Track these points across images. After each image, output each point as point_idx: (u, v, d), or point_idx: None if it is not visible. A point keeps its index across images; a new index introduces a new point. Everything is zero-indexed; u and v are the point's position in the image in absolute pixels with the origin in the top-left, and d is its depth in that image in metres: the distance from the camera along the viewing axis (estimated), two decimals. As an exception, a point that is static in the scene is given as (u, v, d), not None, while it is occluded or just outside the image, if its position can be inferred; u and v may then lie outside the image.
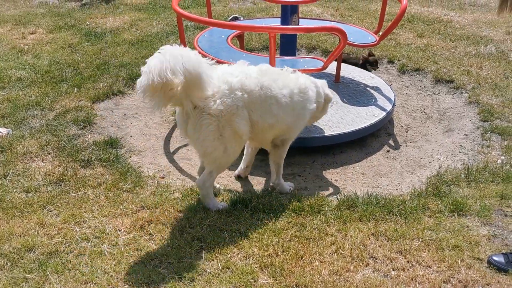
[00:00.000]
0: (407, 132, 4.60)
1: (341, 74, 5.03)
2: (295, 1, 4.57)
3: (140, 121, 4.70)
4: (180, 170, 3.97)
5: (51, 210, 3.25)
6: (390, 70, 5.75)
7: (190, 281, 2.69)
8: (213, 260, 2.83)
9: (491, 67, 5.54)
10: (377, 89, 4.87)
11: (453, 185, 3.55)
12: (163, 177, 3.78)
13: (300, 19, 4.91)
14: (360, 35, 4.90)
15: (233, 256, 2.87)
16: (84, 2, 8.17)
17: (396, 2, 5.54)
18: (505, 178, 3.58)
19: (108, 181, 3.57)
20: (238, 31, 4.84)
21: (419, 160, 4.12)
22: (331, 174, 3.97)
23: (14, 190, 3.43)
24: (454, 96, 5.09)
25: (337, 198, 3.42)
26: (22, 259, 2.83)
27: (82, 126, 4.34)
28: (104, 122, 4.52)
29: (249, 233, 3.04)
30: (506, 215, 3.25)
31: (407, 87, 5.40)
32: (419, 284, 2.69)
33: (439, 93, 5.19)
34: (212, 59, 3.11)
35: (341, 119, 4.30)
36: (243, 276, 2.71)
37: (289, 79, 3.39)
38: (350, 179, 3.90)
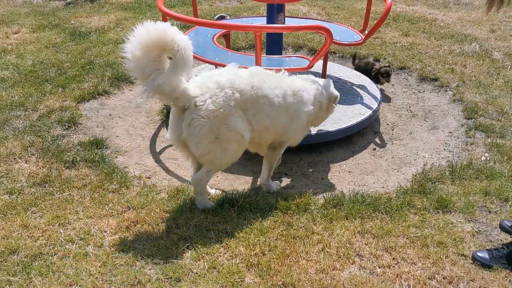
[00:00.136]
0: (393, 130, 4.64)
1: (328, 72, 5.04)
2: (281, -1, 4.58)
3: (126, 121, 4.66)
4: (167, 170, 3.95)
5: (35, 212, 3.21)
6: (376, 68, 5.79)
7: (177, 281, 2.68)
8: (199, 260, 2.82)
9: (475, 65, 5.61)
10: (363, 87, 4.89)
11: (437, 182, 3.59)
12: (149, 177, 3.76)
13: (286, 18, 4.92)
14: (346, 33, 4.92)
15: (220, 256, 2.86)
16: (68, 1, 8.08)
17: (381, 1, 5.58)
18: (489, 175, 3.63)
19: (93, 182, 3.53)
20: (224, 30, 4.83)
21: (405, 158, 4.15)
22: (317, 173, 3.98)
23: (-3, 192, 3.38)
24: (439, 94, 5.14)
25: (324, 197, 3.43)
26: (6, 262, 2.79)
27: (66, 126, 4.29)
28: (89, 123, 4.47)
29: (236, 232, 3.03)
30: (490, 212, 3.29)
31: (392, 85, 5.43)
32: (404, 280, 2.71)
33: (424, 91, 5.23)
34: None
35: (328, 117, 4.31)
36: (229, 275, 2.70)
37: (281, 80, 3.37)
38: (337, 177, 3.92)
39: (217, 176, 3.87)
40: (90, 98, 4.85)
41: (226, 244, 2.94)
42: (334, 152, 4.24)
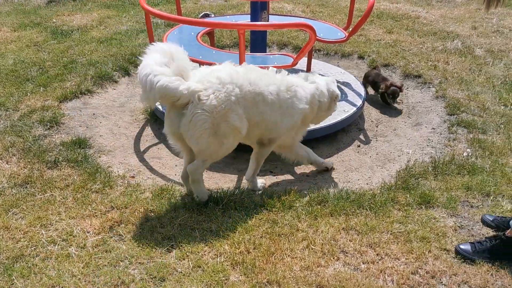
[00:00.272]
0: (377, 127, 4.67)
1: (312, 70, 5.05)
2: (264, -3, 4.57)
3: (110, 120, 4.61)
4: (151, 169, 3.92)
5: (16, 213, 3.16)
6: (360, 65, 5.82)
7: (161, 281, 2.66)
8: (184, 259, 2.81)
9: (457, 61, 5.67)
10: (347, 84, 4.91)
11: (421, 178, 3.62)
12: (133, 177, 3.73)
13: (270, 16, 4.91)
14: (329, 31, 4.94)
15: (205, 254, 2.85)
16: (50, -1, 7.98)
17: (365, -1, 5.61)
18: (471, 170, 3.67)
19: (76, 182, 3.49)
20: (208, 28, 4.81)
21: (389, 154, 4.18)
22: (302, 170, 3.99)
23: (-23, 194, 3.33)
24: (422, 91, 5.18)
25: (308, 194, 3.44)
26: (-14, 265, 2.74)
27: (48, 126, 4.23)
28: (72, 122, 4.42)
29: (221, 231, 3.03)
30: (471, 206, 3.33)
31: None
32: (388, 276, 2.73)
33: (407, 88, 5.27)
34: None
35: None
36: (214, 274, 2.69)
37: (275, 77, 3.39)
38: (321, 174, 3.93)
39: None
40: (73, 97, 4.79)
41: (211, 242, 2.93)
42: (319, 149, 4.25)
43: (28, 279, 2.65)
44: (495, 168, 3.70)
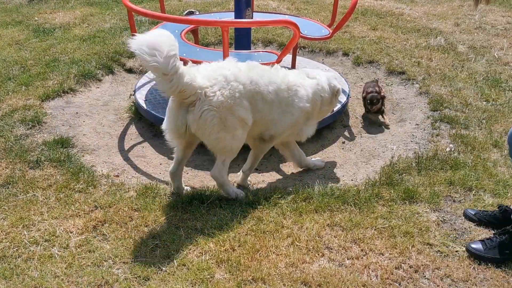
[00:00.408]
0: (362, 123, 4.69)
1: (297, 67, 5.06)
2: (248, -6, 4.56)
3: (93, 119, 4.57)
4: (135, 168, 3.89)
5: (-3, 214, 3.12)
6: (345, 62, 5.85)
7: (145, 280, 2.65)
8: (168, 258, 2.79)
9: (440, 58, 5.73)
10: (332, 81, 4.92)
11: (404, 174, 3.65)
12: (117, 176, 3.70)
13: (255, 13, 4.90)
14: (314, 28, 4.95)
15: (189, 253, 2.84)
16: (32, -4, 7.86)
17: (349, -4, 5.63)
18: (453, 165, 3.72)
19: (59, 181, 3.45)
20: (191, 26, 4.78)
21: (373, 151, 4.21)
22: (287, 167, 4.00)
23: (-43, 195, 3.27)
24: (406, 87, 5.22)
25: (293, 191, 3.45)
26: (-33, 267, 2.70)
27: (30, 125, 4.17)
28: (54, 121, 4.36)
29: (206, 229, 3.02)
30: (454, 201, 3.37)
31: (361, 79, 5.49)
32: (372, 271, 2.75)
33: (392, 84, 5.31)
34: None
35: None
36: (199, 272, 2.69)
37: (276, 76, 3.39)
38: (306, 171, 3.94)
39: (187, 173, 3.84)
40: (55, 96, 4.73)
41: (196, 241, 2.92)
42: (304, 146, 4.25)
43: (11, 280, 2.62)
44: (477, 163, 3.75)
